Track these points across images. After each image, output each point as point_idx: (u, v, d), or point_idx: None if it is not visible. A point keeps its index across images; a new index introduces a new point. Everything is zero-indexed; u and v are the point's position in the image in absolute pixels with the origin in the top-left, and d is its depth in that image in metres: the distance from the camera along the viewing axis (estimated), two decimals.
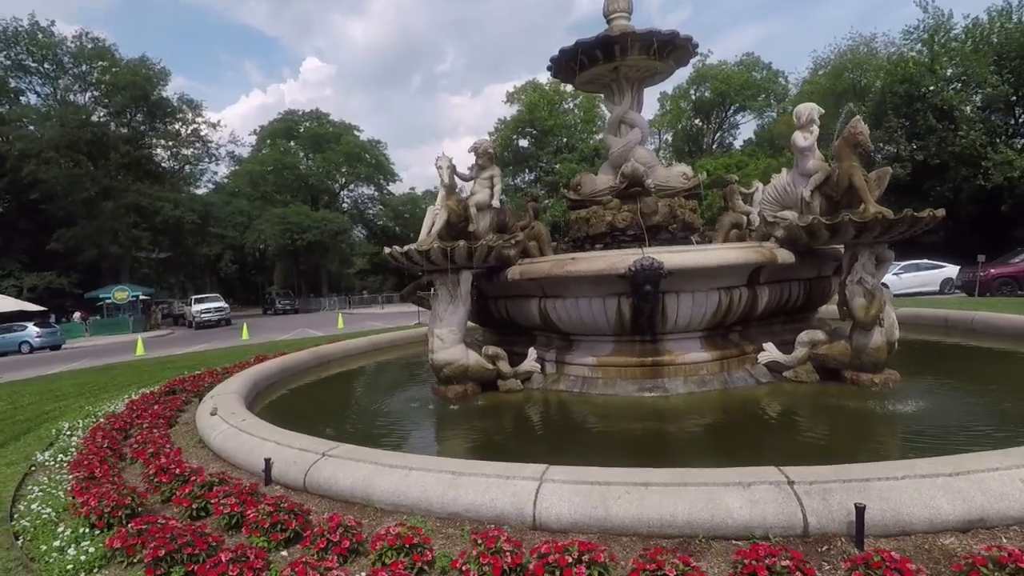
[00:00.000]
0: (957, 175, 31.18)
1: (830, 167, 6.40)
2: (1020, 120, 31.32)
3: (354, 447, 3.97)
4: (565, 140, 53.95)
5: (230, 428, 4.89)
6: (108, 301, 34.81)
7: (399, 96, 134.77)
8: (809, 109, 6.58)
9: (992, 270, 18.71)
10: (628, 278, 5.87)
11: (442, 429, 5.95)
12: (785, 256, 6.37)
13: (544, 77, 58.99)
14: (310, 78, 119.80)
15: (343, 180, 55.34)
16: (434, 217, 7.05)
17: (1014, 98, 31.08)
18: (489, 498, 3.12)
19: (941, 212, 5.78)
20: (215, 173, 50.21)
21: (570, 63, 8.41)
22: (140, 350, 19.23)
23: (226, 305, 34.06)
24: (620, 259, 5.91)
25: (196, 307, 33.52)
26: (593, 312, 6.35)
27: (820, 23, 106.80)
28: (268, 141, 51.15)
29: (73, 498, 3.79)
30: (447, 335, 6.74)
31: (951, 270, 21.43)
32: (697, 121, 59.96)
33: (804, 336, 6.44)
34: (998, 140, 30.91)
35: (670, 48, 8.08)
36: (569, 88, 56.70)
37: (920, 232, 6.02)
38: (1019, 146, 30.54)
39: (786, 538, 2.74)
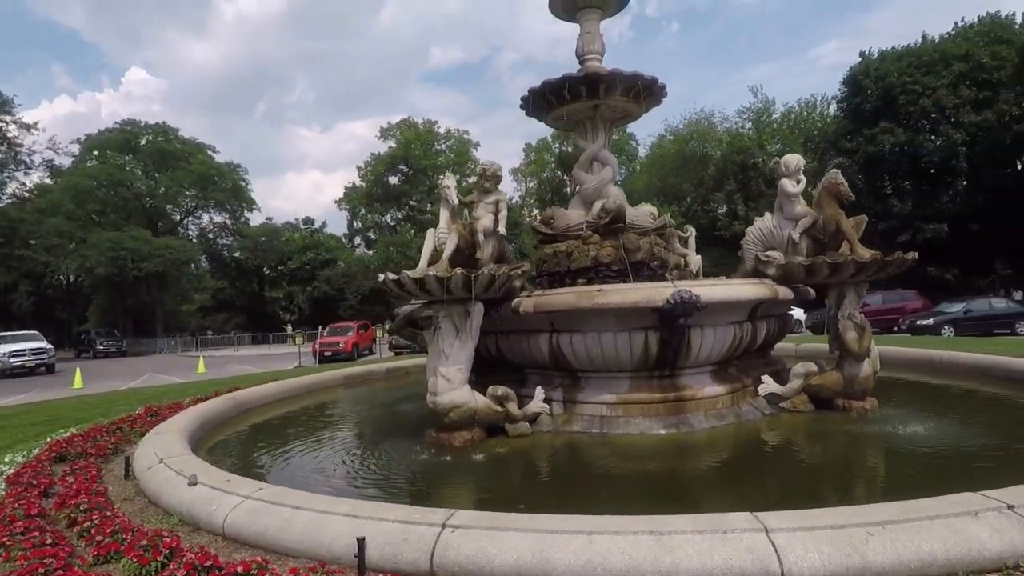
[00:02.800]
0: None
1: (816, 213, 6.94)
2: None
3: (482, 513, 3.18)
4: (436, 180, 54.16)
5: (247, 502, 3.72)
6: None
7: (241, 123, 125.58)
8: (797, 160, 7.14)
9: None
10: (663, 311, 5.74)
11: (485, 488, 5.07)
12: (785, 292, 6.72)
13: (419, 116, 59.50)
14: (134, 90, 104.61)
15: (189, 205, 49.34)
16: (436, 241, 6.37)
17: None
18: (723, 557, 2.64)
19: (914, 255, 6.52)
20: (23, 184, 41.57)
21: (550, 96, 8.33)
22: None
23: (48, 346, 25.71)
24: (657, 291, 5.76)
25: (1, 348, 24.71)
26: (617, 347, 6.08)
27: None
28: (96, 153, 43.90)
29: None
30: (454, 374, 6.00)
31: (798, 312, 24.69)
32: (559, 173, 63.97)
33: (799, 368, 6.77)
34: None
35: (648, 93, 8.37)
36: (442, 129, 57.63)
37: (894, 272, 6.71)
38: None
39: None
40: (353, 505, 3.43)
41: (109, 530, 3.54)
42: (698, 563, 2.65)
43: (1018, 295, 26.55)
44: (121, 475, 5.37)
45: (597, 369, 6.40)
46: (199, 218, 51.33)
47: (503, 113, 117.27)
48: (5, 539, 3.53)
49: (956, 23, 33.65)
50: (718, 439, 5.88)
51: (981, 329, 18.38)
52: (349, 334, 24.55)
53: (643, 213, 8.83)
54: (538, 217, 9.21)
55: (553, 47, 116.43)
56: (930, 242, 28.15)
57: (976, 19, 33.08)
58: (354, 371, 12.40)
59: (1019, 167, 31.64)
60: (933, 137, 31.31)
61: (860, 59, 34.70)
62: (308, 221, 57.28)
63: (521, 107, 9.01)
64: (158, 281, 43.51)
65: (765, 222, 7.42)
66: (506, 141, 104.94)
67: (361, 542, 3.01)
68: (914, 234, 29.07)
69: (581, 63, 8.68)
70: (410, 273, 5.65)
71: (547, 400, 6.50)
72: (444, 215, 6.38)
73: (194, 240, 49.51)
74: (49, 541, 3.44)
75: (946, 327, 18.66)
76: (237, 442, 7.14)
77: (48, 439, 7.04)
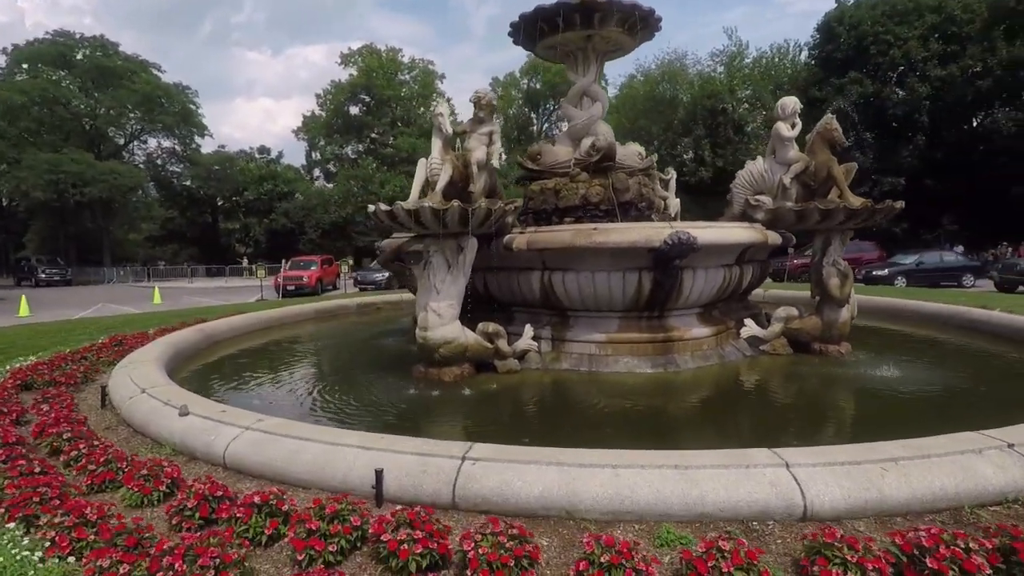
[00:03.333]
0: None
1: (808, 158, 6.92)
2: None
3: (503, 446, 3.14)
4: (400, 112, 51.84)
5: (248, 432, 3.58)
6: None
7: (183, 43, 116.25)
8: (794, 102, 7.03)
9: (795, 260, 22.68)
10: (659, 251, 5.70)
11: (478, 423, 5.02)
12: (774, 237, 6.77)
13: (380, 43, 56.32)
14: (62, 0, 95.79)
15: (135, 128, 45.81)
16: (428, 172, 6.07)
17: None
18: (746, 491, 2.69)
19: (901, 204, 6.63)
20: None
21: (542, 23, 7.88)
22: None
23: None
24: (655, 232, 5.70)
25: None
26: (611, 286, 6.05)
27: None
28: (26, 66, 39.75)
29: None
30: (445, 310, 5.88)
31: None
32: (527, 110, 62.29)
33: (780, 312, 6.93)
34: None
35: (644, 24, 8.01)
36: (406, 58, 54.78)
37: (881, 220, 6.82)
38: None
39: None
40: (363, 437, 3.35)
41: (102, 459, 3.37)
42: (724, 496, 2.69)
43: (959, 249, 27.87)
44: (97, 404, 5.13)
45: (588, 308, 6.39)
46: (145, 143, 47.84)
47: (465, 46, 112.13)
48: None
49: None
50: (704, 379, 6.02)
51: (930, 281, 19.34)
52: (312, 268, 23.89)
53: (631, 152, 8.64)
54: (525, 152, 8.91)
55: None
56: (886, 195, 28.99)
57: None
58: (324, 305, 12.13)
59: (975, 124, 32.61)
60: (899, 90, 31.75)
61: (835, 5, 34.39)
62: (264, 151, 54.50)
63: (509, 34, 8.52)
64: (103, 208, 40.89)
65: (756, 165, 7.37)
66: (468, 74, 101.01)
67: (379, 474, 2.95)
68: (872, 187, 29.85)
69: None
70: (404, 204, 5.39)
71: (536, 338, 6.48)
72: (436, 145, 6.05)
73: (141, 166, 46.34)
74: (38, 469, 3.25)
75: (899, 277, 19.55)
76: (211, 374, 6.92)
77: (8, 367, 6.64)
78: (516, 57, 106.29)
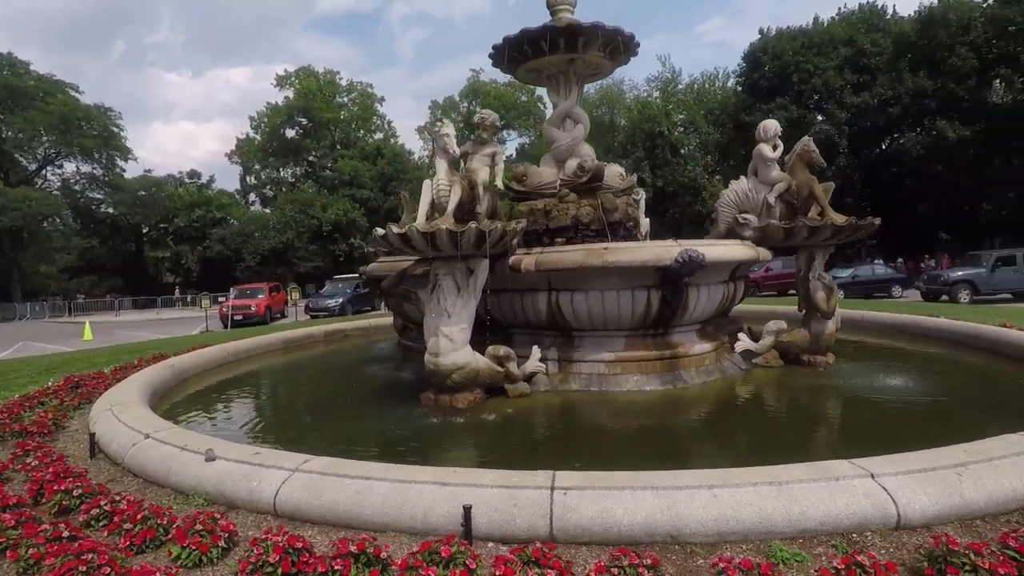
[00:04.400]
0: (684, 201, 38.58)
1: (790, 178, 7.28)
2: (730, 163, 39.92)
3: (590, 473, 3.02)
4: (339, 135, 50.95)
5: (298, 475, 3.31)
6: None
7: (94, 63, 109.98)
8: (775, 125, 7.41)
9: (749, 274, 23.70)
10: (670, 270, 5.81)
11: (516, 449, 4.85)
12: (765, 253, 7.06)
13: (320, 66, 55.41)
14: None
15: (48, 151, 42.49)
16: (434, 194, 5.94)
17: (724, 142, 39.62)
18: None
19: (877, 220, 7.08)
20: None
21: (526, 46, 7.99)
22: None
23: None
24: (665, 250, 5.80)
25: None
26: (620, 305, 6.09)
27: None
28: None
29: None
30: (457, 334, 5.74)
31: None
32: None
33: (771, 325, 7.19)
34: (714, 175, 39.21)
35: (625, 48, 8.26)
36: (344, 81, 54.07)
37: (862, 235, 7.26)
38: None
39: None
40: (437, 472, 3.16)
41: (139, 516, 3.01)
42: (824, 511, 2.72)
43: (879, 262, 30.09)
44: (83, 454, 4.61)
45: (595, 328, 6.40)
46: (61, 167, 44.54)
47: (394, 69, 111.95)
48: None
49: (840, 8, 36.67)
50: (711, 394, 6.14)
51: (865, 291, 20.81)
52: (260, 296, 22.78)
53: (613, 173, 8.81)
54: (511, 174, 8.92)
55: (448, 3, 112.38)
56: None
57: (857, 5, 36.18)
58: (292, 335, 11.56)
59: (884, 147, 35.56)
60: (820, 117, 34.23)
61: (759, 36, 36.87)
62: (194, 175, 51.94)
63: (490, 56, 8.59)
64: (11, 238, 37.61)
65: (740, 185, 7.69)
66: (398, 98, 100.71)
67: (468, 510, 2.79)
68: None
69: (553, 14, 8.34)
70: (419, 227, 5.24)
71: (541, 359, 6.42)
72: (442, 166, 5.95)
73: (56, 192, 42.96)
74: (66, 534, 2.87)
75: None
76: (200, 413, 6.40)
77: None
78: (445, 82, 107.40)
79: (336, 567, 2.41)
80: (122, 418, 4.80)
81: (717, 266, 6.24)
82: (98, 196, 45.40)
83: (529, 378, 6.31)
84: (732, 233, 7.57)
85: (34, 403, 6.51)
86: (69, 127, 39.54)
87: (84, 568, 2.51)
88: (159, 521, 3.00)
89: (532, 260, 6.17)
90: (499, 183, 6.33)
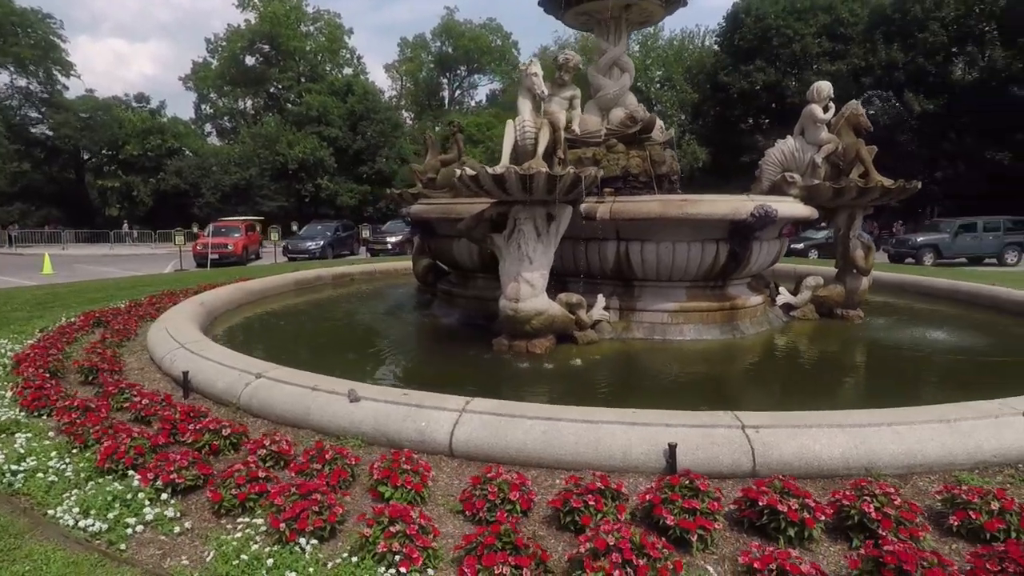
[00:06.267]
0: None
1: (838, 140, 7.47)
2: (700, 123, 40.29)
3: (774, 413, 3.21)
4: (304, 67, 48.08)
5: (468, 415, 3.32)
6: None
7: None
8: (828, 87, 7.51)
9: None
10: (744, 223, 5.95)
11: (620, 391, 4.99)
12: (813, 213, 7.29)
13: None
14: None
15: None
16: (518, 135, 5.79)
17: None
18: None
19: (918, 184, 7.39)
20: None
21: None
22: None
23: None
24: (741, 204, 5.94)
25: None
26: (689, 257, 6.22)
27: None
28: None
29: None
30: (537, 280, 5.75)
31: None
32: (437, 74, 60.42)
33: (810, 280, 7.53)
34: (686, 134, 39.48)
35: None
36: (311, 8, 50.46)
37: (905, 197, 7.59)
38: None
39: None
40: (618, 413, 3.25)
41: (328, 456, 2.97)
42: (996, 444, 3.01)
43: None
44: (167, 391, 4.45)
45: (659, 278, 6.52)
46: None
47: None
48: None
49: None
50: (769, 342, 6.49)
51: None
52: (236, 235, 21.75)
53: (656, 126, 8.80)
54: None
55: None
56: None
57: None
58: (302, 276, 11.24)
59: None
60: (795, 83, 34.73)
61: None
62: (142, 99, 48.13)
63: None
64: None
65: (787, 145, 7.82)
66: (359, 32, 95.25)
67: (673, 448, 2.91)
68: None
69: None
70: (516, 168, 5.13)
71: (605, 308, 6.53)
72: (526, 106, 5.78)
73: None
74: (261, 475, 2.81)
75: (812, 251, 21.87)
76: (261, 352, 6.22)
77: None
78: (409, 16, 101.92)
79: (590, 502, 2.47)
80: (211, 356, 4.64)
81: (782, 222, 6.43)
82: (34, 115, 41.54)
83: (593, 326, 6.42)
84: (775, 190, 7.73)
85: (63, 341, 6.16)
86: (2, 32, 35.55)
87: (316, 507, 2.48)
88: (347, 463, 2.98)
89: (607, 208, 6.18)
90: (576, 127, 6.20)
